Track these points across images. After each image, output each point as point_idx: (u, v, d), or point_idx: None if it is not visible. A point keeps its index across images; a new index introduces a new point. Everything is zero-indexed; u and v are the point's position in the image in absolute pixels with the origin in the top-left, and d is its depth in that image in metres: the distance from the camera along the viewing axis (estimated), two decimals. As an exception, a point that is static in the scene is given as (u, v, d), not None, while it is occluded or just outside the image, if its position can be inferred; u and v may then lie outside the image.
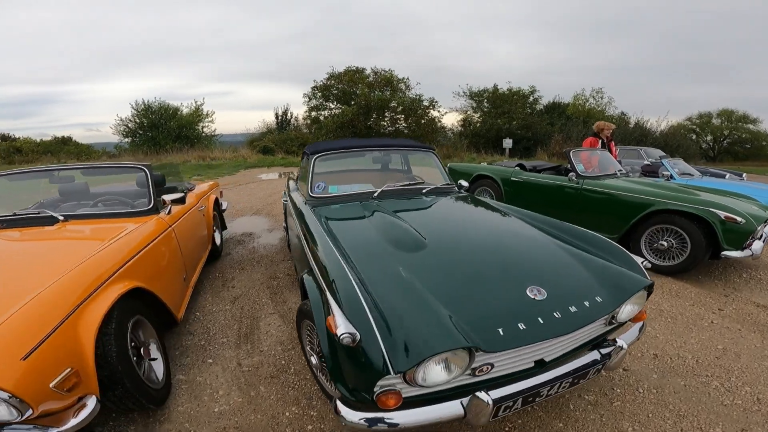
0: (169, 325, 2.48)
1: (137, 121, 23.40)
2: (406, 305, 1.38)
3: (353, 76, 18.83)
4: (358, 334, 1.24)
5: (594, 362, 1.50)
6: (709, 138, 24.56)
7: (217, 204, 4.61)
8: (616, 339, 1.62)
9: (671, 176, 6.13)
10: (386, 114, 19.41)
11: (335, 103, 20.10)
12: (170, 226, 2.72)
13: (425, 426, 1.30)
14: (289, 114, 27.29)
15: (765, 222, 3.43)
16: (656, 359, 2.30)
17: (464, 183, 3.30)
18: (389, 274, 1.60)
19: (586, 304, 1.50)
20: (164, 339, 2.34)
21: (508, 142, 17.88)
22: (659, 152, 10.09)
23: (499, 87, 20.67)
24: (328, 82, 19.71)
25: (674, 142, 18.18)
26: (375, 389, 1.25)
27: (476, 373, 1.33)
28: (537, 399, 1.39)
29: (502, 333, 1.32)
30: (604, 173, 4.65)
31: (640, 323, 1.80)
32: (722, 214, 3.30)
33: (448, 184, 3.09)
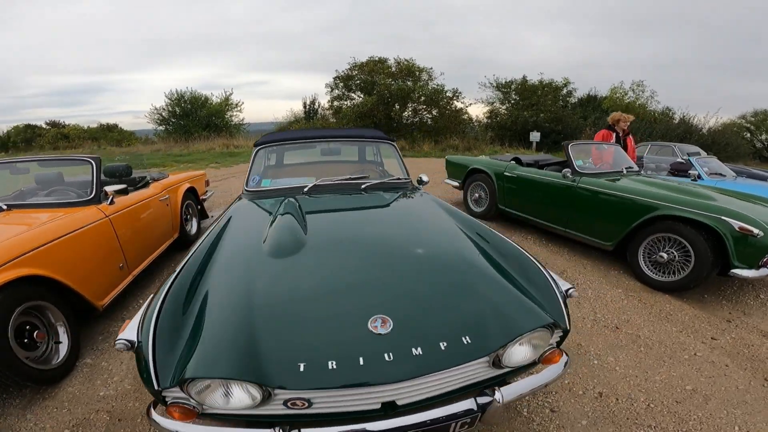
0: (91, 311, 2.48)
1: (170, 110, 24.25)
2: (219, 321, 1.24)
3: (374, 66, 18.45)
4: (136, 341, 1.19)
5: (466, 412, 1.17)
6: (764, 137, 22.17)
7: (194, 193, 4.60)
8: (496, 389, 1.24)
9: (699, 176, 5.41)
10: (409, 105, 18.92)
11: (357, 93, 19.85)
12: (107, 216, 2.76)
13: None
14: (316, 104, 27.53)
15: None
16: (599, 399, 1.90)
17: (424, 178, 3.01)
18: (234, 286, 1.41)
19: (443, 345, 1.19)
20: (93, 324, 2.66)
21: (535, 135, 16.95)
22: (696, 149, 9.13)
23: (528, 78, 19.61)
24: (351, 72, 19.46)
25: (722, 140, 16.47)
26: (167, 398, 1.14)
27: (289, 405, 1.11)
28: None
29: (302, 369, 1.09)
30: (610, 170, 4.11)
31: (556, 365, 1.39)
32: (736, 224, 2.73)
33: (398, 179, 2.82)
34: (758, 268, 2.73)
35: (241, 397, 1.08)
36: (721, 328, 2.61)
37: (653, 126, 16.65)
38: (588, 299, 3.05)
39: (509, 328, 1.23)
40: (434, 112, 19.57)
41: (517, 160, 4.99)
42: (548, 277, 1.51)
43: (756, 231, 2.64)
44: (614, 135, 5.12)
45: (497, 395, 1.22)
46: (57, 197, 2.93)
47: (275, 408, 1.13)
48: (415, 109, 19.44)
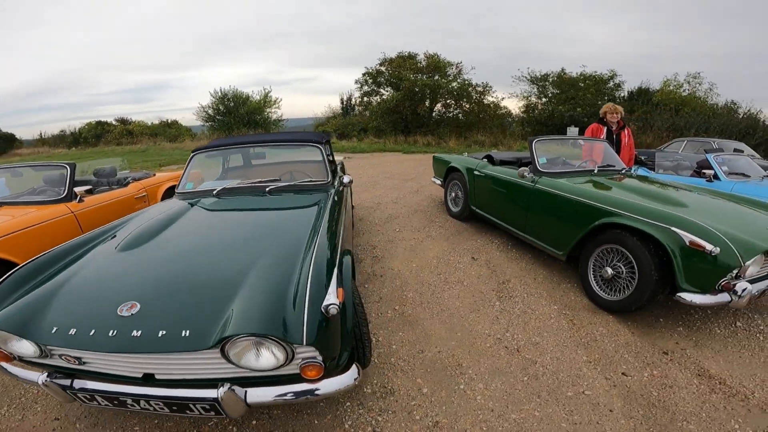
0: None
1: (214, 107, 25.59)
2: (41, 290, 1.59)
3: (401, 61, 18.09)
4: None
5: (206, 399, 1.34)
6: None
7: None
8: (242, 387, 1.37)
9: (715, 176, 4.63)
10: (439, 99, 18.41)
11: (387, 88, 19.65)
12: (72, 212, 3.26)
13: None
14: (353, 100, 27.72)
15: (765, 255, 2.22)
16: (431, 429, 1.64)
17: (346, 179, 3.06)
18: (70, 267, 1.78)
19: (167, 332, 1.35)
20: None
21: (573, 131, 15.71)
22: (741, 145, 7.94)
23: (567, 71, 18.14)
24: (380, 68, 19.28)
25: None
26: None
27: (64, 359, 1.44)
28: (127, 406, 1.42)
29: (72, 333, 1.37)
30: (577, 169, 3.64)
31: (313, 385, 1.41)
32: (687, 237, 2.22)
33: (312, 182, 2.96)
34: (714, 292, 2.22)
35: (27, 348, 1.42)
36: (648, 361, 2.17)
37: (710, 121, 14.74)
38: (510, 315, 2.70)
39: (227, 329, 1.30)
40: (466, 107, 18.91)
41: (489, 158, 4.58)
42: (306, 293, 1.44)
43: (709, 247, 2.12)
44: (605, 129, 4.54)
45: (239, 391, 1.34)
46: (41, 196, 3.40)
47: (56, 360, 1.46)
48: (445, 104, 18.88)
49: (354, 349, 1.62)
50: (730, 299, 2.16)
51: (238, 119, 24.74)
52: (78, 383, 1.43)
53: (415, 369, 2.17)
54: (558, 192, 3.18)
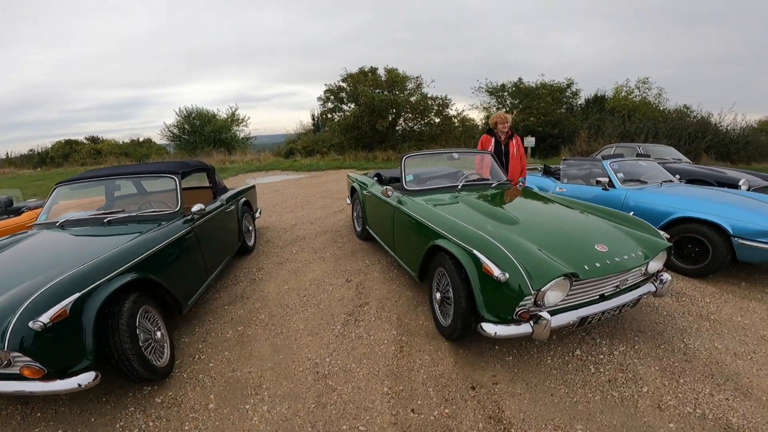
0: None
1: (179, 126, 25.28)
2: None
3: (359, 77, 18.17)
4: None
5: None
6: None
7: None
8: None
9: (610, 183, 4.54)
10: (396, 115, 18.46)
11: (350, 104, 19.67)
12: None
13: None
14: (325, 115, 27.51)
15: (572, 279, 2.06)
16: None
17: (195, 208, 3.06)
18: None
19: None
20: None
21: (529, 141, 15.90)
22: (669, 150, 8.02)
23: (526, 80, 18.54)
24: (342, 84, 19.31)
25: (741, 140, 14.69)
26: None
27: None
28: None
29: None
30: (445, 185, 3.57)
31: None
32: (482, 260, 2.11)
33: (155, 212, 3.06)
34: (517, 322, 2.06)
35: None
36: (449, 397, 2.05)
37: (659, 126, 15.13)
38: (343, 339, 2.66)
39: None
40: (428, 120, 19.01)
41: (378, 176, 4.51)
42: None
43: (497, 272, 1.99)
44: (493, 140, 4.50)
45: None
46: None
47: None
48: (406, 119, 18.97)
49: (115, 360, 1.95)
50: (531, 330, 2.02)
51: (204, 138, 24.46)
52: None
53: (216, 386, 2.24)
54: (407, 211, 3.11)
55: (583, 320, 2.15)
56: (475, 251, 2.20)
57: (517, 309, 2.04)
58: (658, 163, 7.36)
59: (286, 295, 3.40)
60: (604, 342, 2.55)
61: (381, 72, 19.00)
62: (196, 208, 3.03)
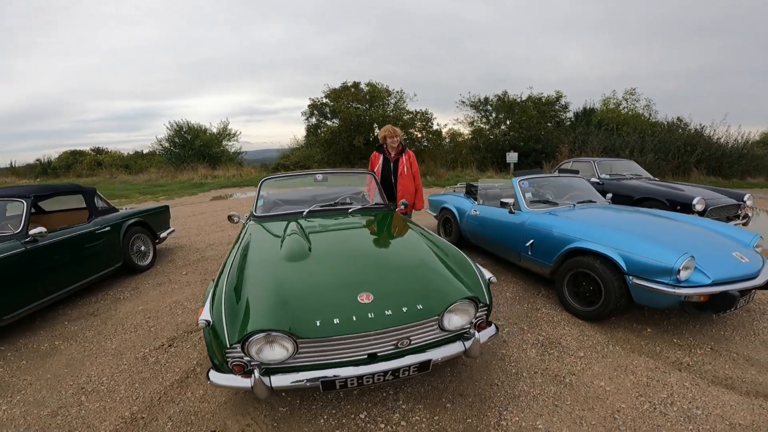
0: None
1: (170, 140, 25.34)
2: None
3: (341, 92, 17.88)
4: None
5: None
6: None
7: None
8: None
9: (515, 205, 3.86)
10: (374, 130, 18.04)
11: (334, 120, 19.37)
12: None
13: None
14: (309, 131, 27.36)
15: (292, 336, 1.59)
16: None
17: (32, 232, 3.05)
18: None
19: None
20: None
21: (512, 156, 15.30)
22: (632, 165, 7.22)
23: (513, 94, 17.99)
24: (325, 100, 19.06)
25: (734, 153, 13.88)
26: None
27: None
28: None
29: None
30: (290, 212, 3.05)
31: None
32: (207, 302, 1.76)
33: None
34: (227, 371, 1.68)
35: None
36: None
37: (645, 140, 14.40)
38: (144, 363, 2.16)
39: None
40: (411, 135, 18.56)
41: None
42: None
43: (203, 318, 1.68)
44: (381, 157, 3.96)
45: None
46: None
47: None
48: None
49: None
50: (251, 385, 1.58)
51: (193, 152, 24.41)
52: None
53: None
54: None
55: (327, 384, 1.62)
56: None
57: (227, 359, 1.63)
58: (614, 179, 6.76)
59: (132, 317, 3.25)
60: (404, 406, 1.96)
61: (363, 87, 18.75)
62: (35, 230, 3.09)
